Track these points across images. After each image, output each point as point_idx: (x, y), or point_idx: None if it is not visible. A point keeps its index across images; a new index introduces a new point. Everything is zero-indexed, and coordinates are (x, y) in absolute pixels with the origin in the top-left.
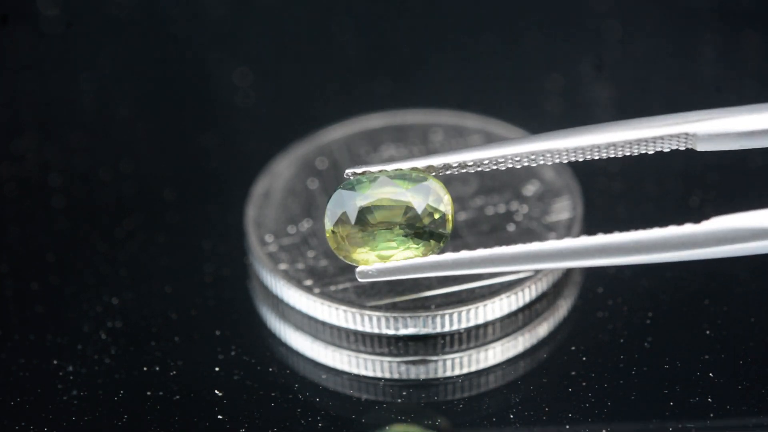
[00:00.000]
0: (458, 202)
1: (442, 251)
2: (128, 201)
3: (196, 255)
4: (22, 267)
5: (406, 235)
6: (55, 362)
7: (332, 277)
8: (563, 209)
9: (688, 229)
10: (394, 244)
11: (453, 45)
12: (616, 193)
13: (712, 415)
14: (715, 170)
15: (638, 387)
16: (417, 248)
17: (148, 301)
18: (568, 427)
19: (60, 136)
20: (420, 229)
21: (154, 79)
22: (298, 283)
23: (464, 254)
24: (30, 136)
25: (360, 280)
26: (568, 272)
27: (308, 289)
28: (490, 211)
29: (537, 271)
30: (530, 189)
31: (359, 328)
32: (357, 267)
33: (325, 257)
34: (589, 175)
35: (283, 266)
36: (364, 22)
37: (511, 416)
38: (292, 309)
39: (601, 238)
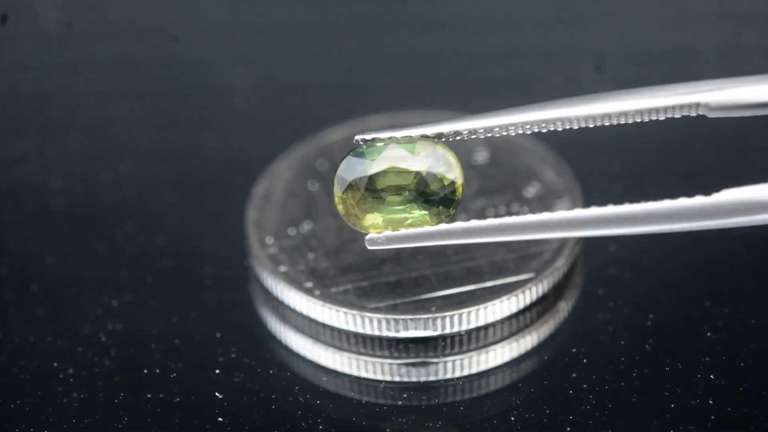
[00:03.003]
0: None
1: (451, 219)
2: (128, 203)
3: (196, 257)
4: (22, 269)
5: (415, 202)
6: (55, 364)
7: (333, 278)
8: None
9: (698, 201)
10: (403, 210)
11: (453, 45)
12: (616, 194)
13: (713, 417)
14: (716, 172)
15: (639, 389)
16: (426, 215)
17: (148, 304)
18: (569, 429)
19: (60, 138)
20: (429, 195)
21: (154, 80)
22: (298, 285)
23: (474, 223)
24: (30, 137)
25: (369, 247)
26: (569, 274)
27: (309, 291)
28: (490, 212)
29: (537, 273)
30: (531, 191)
31: (360, 330)
32: (366, 235)
33: (325, 259)
34: (590, 176)
35: (283, 268)
36: (364, 22)
37: (512, 418)
38: (293, 311)
39: (611, 209)
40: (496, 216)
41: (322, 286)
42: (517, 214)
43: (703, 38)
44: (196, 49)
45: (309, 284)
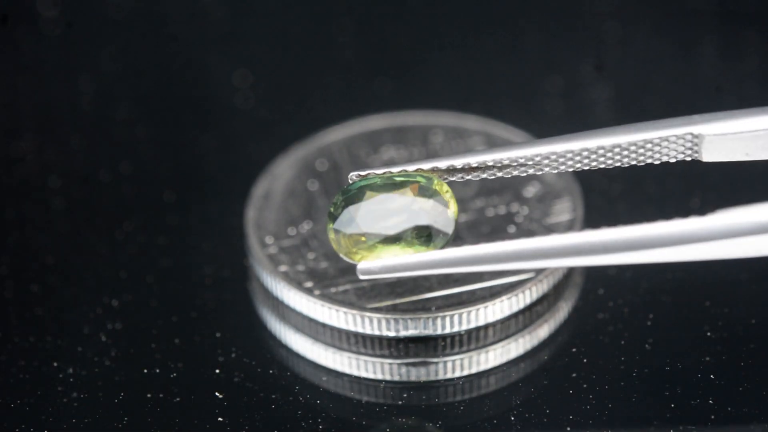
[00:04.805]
0: (458, 203)
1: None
2: (128, 202)
3: (196, 257)
4: (22, 269)
5: (409, 236)
6: (55, 364)
7: (332, 278)
8: (564, 211)
9: (693, 222)
10: (397, 245)
11: (453, 45)
12: (616, 194)
13: (713, 417)
14: (716, 171)
15: (639, 389)
16: (420, 249)
17: (148, 303)
18: (569, 429)
19: (60, 138)
20: (424, 230)
21: (154, 80)
22: (298, 284)
23: (468, 250)
24: (29, 137)
25: (362, 277)
26: (569, 274)
27: (308, 291)
28: (490, 212)
29: (539, 270)
30: (530, 191)
31: (360, 329)
32: (359, 264)
33: (325, 259)
34: (590, 176)
35: (283, 268)
36: (364, 22)
37: (512, 418)
38: (293, 311)
39: (605, 233)
40: (496, 215)
41: (322, 285)
42: (516, 214)
43: (702, 38)
44: (196, 49)
45: (309, 284)
